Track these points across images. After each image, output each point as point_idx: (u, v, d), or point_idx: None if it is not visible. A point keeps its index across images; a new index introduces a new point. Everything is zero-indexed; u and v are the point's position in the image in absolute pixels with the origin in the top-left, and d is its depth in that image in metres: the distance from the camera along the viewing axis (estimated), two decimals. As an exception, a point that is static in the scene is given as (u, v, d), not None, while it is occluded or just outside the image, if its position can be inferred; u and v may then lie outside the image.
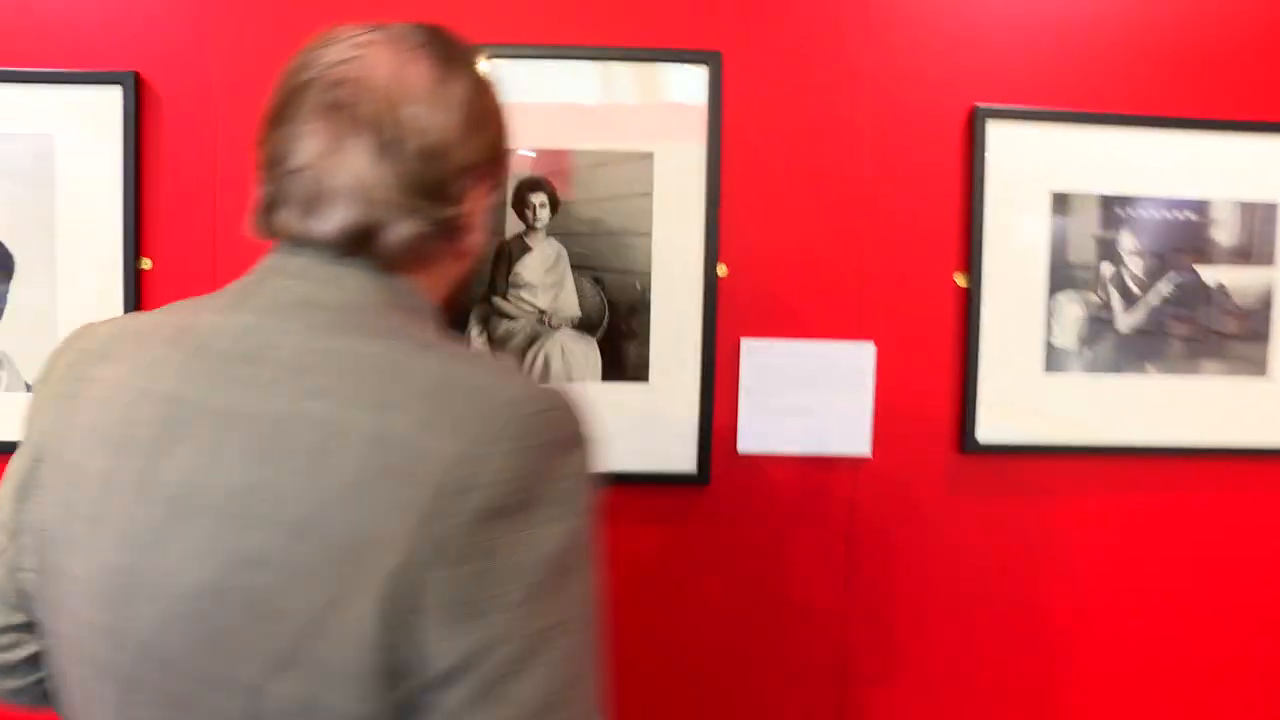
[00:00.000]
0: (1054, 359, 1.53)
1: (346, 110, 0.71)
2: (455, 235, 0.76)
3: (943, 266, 1.50)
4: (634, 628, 1.53)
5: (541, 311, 1.50)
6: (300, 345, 0.67)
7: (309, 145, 0.71)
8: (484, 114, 0.77)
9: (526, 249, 1.49)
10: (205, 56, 1.47)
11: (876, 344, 1.50)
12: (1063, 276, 1.52)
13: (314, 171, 0.71)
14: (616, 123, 1.48)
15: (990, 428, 1.52)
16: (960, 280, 1.49)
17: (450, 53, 0.76)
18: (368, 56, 0.73)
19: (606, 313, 1.50)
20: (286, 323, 0.69)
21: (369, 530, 0.60)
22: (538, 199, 1.49)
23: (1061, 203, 1.51)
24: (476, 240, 0.80)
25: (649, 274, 1.49)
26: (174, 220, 1.49)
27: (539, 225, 1.49)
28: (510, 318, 1.51)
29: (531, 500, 0.62)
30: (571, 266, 1.49)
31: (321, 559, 0.60)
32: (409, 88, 0.72)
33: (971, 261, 1.48)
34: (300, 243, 0.72)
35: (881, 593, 1.54)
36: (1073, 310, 1.52)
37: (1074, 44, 1.50)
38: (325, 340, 0.67)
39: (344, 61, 0.72)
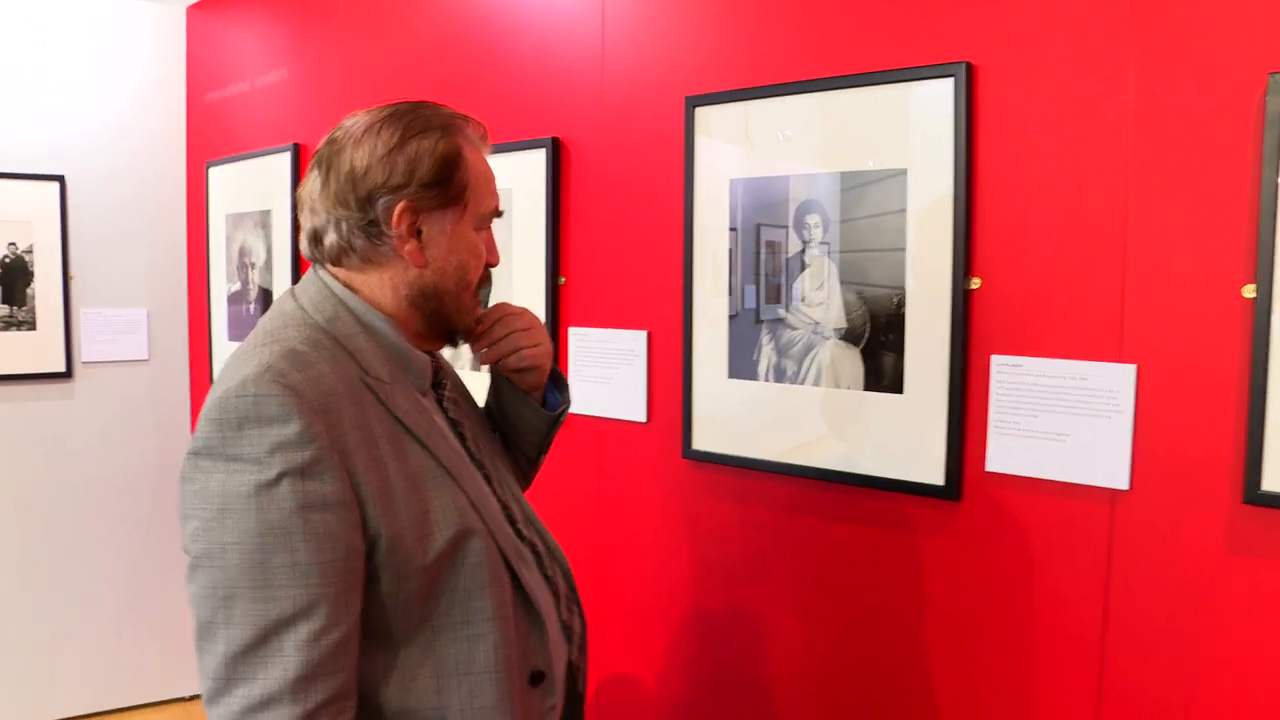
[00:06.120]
0: None
1: (318, 155, 1.08)
2: (380, 238, 1.05)
3: (1227, 277, 1.26)
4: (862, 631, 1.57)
5: (816, 322, 1.64)
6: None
7: (306, 179, 1.10)
8: (402, 152, 1.03)
9: (804, 266, 1.65)
10: (607, 118, 1.95)
11: (1140, 366, 1.32)
12: None
13: (300, 195, 1.10)
14: (870, 143, 1.56)
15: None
16: (1248, 292, 1.24)
17: (400, 116, 1.05)
18: (347, 124, 1.08)
19: (869, 325, 1.58)
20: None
21: None
22: (812, 220, 1.64)
23: None
24: (414, 249, 1.06)
25: (903, 289, 1.53)
26: (580, 248, 1.99)
27: (812, 243, 1.64)
28: (792, 328, 1.68)
29: (204, 452, 0.92)
30: (840, 282, 1.60)
31: None
32: (351, 136, 1.06)
33: (1261, 271, 1.22)
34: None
35: (1139, 649, 1.33)
36: None
37: None
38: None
39: (336, 128, 1.09)
